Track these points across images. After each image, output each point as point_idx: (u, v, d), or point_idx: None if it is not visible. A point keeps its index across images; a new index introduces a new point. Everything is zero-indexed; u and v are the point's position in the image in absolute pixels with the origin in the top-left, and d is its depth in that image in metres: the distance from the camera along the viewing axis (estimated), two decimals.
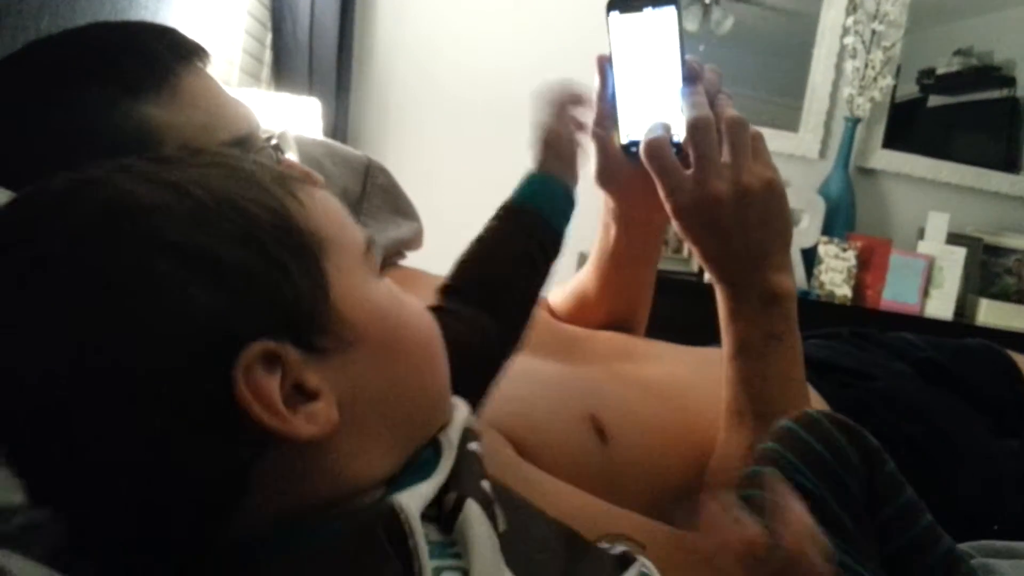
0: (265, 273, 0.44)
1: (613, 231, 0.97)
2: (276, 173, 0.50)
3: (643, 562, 0.51)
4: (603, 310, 1.03)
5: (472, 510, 0.46)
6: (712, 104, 0.77)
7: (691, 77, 0.78)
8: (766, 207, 0.76)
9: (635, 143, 0.80)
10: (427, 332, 0.53)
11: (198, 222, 0.44)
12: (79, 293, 0.42)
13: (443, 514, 0.46)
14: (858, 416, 0.67)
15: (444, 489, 0.48)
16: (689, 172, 0.75)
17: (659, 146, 0.76)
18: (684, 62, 0.78)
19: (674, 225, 0.78)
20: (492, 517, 0.47)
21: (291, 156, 0.81)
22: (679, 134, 0.77)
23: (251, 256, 0.44)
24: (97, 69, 0.68)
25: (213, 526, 0.45)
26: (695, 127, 0.75)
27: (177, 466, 0.43)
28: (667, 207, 0.77)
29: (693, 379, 0.92)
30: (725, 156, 0.75)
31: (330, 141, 1.13)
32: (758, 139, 0.78)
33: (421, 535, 0.44)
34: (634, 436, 0.81)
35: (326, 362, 0.46)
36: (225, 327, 0.43)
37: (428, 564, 0.43)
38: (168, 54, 0.71)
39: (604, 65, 0.83)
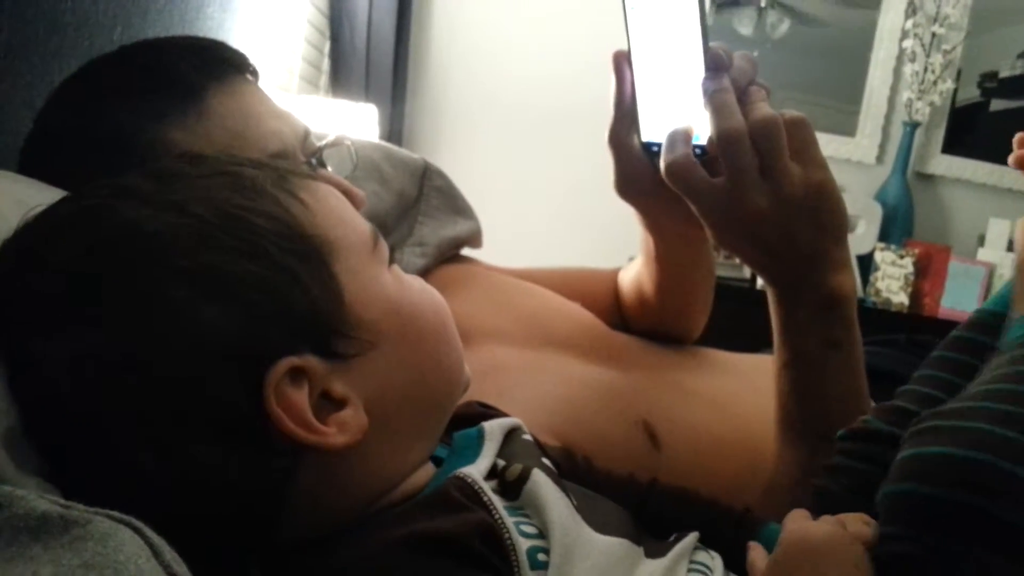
0: (277, 286, 0.44)
1: (651, 241, 0.90)
2: (277, 174, 0.50)
3: (696, 535, 0.52)
4: (657, 307, 0.98)
5: (539, 476, 0.48)
6: (741, 99, 0.69)
7: (714, 67, 0.69)
8: (815, 213, 0.69)
9: (656, 144, 0.73)
10: (438, 312, 0.53)
11: (203, 242, 0.44)
12: (85, 319, 0.43)
13: (506, 485, 0.48)
14: None
15: (503, 467, 0.50)
16: (719, 180, 0.68)
17: (684, 169, 0.68)
18: (707, 50, 0.69)
19: (714, 242, 0.73)
20: (562, 488, 0.49)
21: (345, 162, 0.83)
22: (704, 134, 0.69)
23: (260, 270, 0.44)
24: (128, 94, 0.71)
25: (264, 533, 0.46)
26: (723, 141, 0.67)
27: (217, 482, 0.44)
28: (705, 227, 0.71)
29: (746, 386, 0.90)
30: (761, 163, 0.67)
31: (388, 145, 1.16)
32: (802, 129, 0.69)
33: (492, 493, 0.46)
34: (686, 442, 0.81)
35: (350, 367, 0.46)
36: (247, 346, 0.43)
37: (507, 516, 0.45)
38: (198, 75, 0.72)
39: (621, 62, 0.75)
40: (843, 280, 0.71)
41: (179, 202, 0.45)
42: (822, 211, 0.69)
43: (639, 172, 0.78)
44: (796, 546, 0.48)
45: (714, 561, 0.51)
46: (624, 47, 0.74)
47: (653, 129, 0.75)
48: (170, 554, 0.34)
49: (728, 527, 0.55)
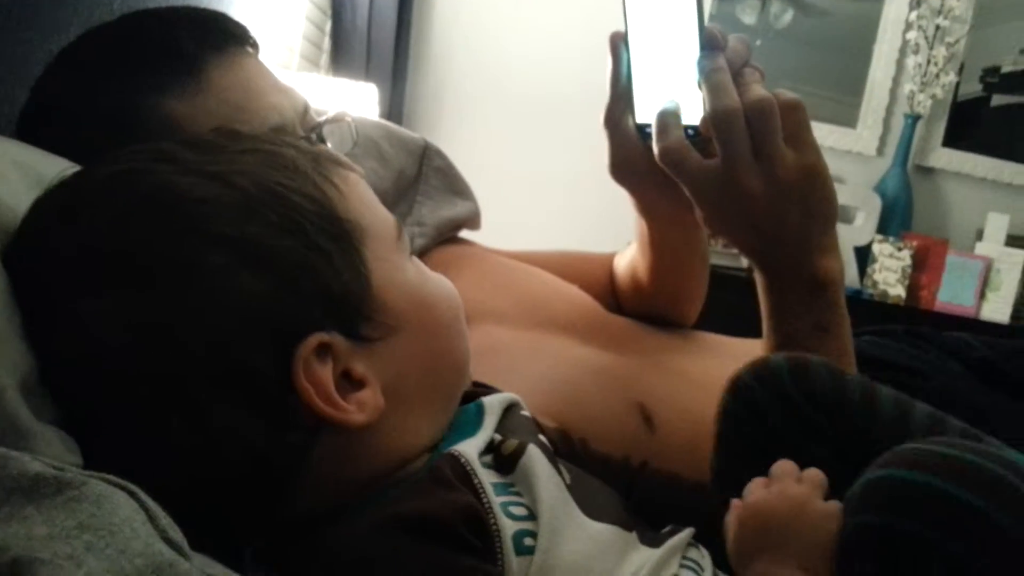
0: (313, 263, 0.45)
1: (644, 225, 0.90)
2: (313, 156, 0.51)
3: (690, 531, 0.52)
4: (651, 292, 0.98)
5: (534, 451, 0.48)
6: (736, 80, 0.68)
7: (710, 45, 0.69)
8: (806, 196, 0.68)
9: (651, 126, 0.72)
10: (454, 305, 0.55)
11: (245, 213, 0.45)
12: (127, 280, 0.43)
13: (501, 459, 0.48)
14: None
15: (499, 441, 0.50)
16: (713, 162, 0.68)
17: (678, 152, 0.68)
18: (703, 30, 0.69)
19: (704, 225, 0.73)
20: (556, 466, 0.49)
21: (345, 139, 0.82)
22: (697, 115, 0.69)
23: (299, 246, 0.45)
24: (127, 65, 0.70)
25: (274, 505, 0.46)
26: (718, 120, 0.67)
27: (236, 451, 0.44)
28: (697, 209, 0.71)
29: None
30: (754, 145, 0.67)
31: (388, 124, 1.15)
32: (796, 113, 0.68)
33: (483, 473, 0.46)
34: (681, 425, 0.81)
35: (371, 350, 0.47)
36: (281, 318, 0.44)
37: (495, 498, 0.45)
38: (198, 47, 0.72)
39: (618, 44, 0.74)
40: (830, 264, 0.71)
41: (221, 173, 0.46)
42: (813, 195, 0.69)
43: (633, 154, 0.77)
44: (751, 521, 0.47)
45: (704, 560, 0.51)
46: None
47: (648, 111, 0.74)
48: (165, 519, 0.34)
49: (712, 510, 0.55)
